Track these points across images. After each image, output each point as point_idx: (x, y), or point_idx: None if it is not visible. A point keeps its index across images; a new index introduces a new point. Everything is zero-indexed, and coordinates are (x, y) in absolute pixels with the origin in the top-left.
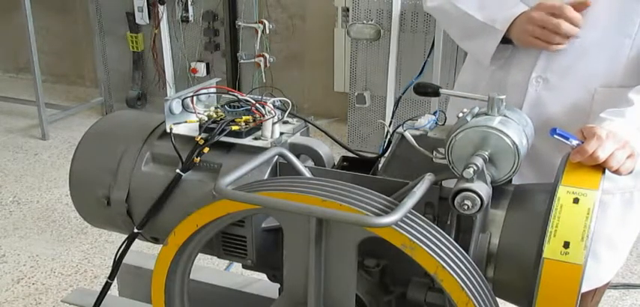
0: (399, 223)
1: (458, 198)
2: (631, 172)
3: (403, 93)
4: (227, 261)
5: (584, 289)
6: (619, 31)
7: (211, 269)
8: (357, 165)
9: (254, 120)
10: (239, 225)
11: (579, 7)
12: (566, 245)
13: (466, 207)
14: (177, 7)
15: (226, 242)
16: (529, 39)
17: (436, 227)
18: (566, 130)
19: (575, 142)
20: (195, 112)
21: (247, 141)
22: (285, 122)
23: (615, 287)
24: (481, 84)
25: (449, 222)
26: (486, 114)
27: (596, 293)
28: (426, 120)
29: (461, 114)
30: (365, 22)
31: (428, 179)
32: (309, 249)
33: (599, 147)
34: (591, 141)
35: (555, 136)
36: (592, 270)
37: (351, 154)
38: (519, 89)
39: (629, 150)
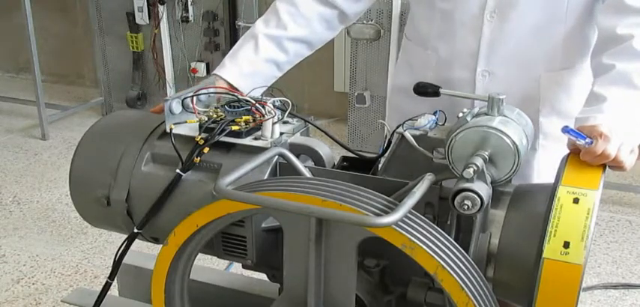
0: (399, 223)
1: (458, 198)
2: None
3: None
4: (227, 261)
5: None
6: (550, 16)
7: (211, 269)
8: (357, 165)
9: (254, 120)
10: (239, 225)
11: None
12: (566, 245)
13: (466, 207)
14: (177, 7)
15: (226, 242)
16: None
17: (436, 227)
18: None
19: (587, 141)
20: (195, 112)
21: (247, 141)
22: (285, 122)
23: (615, 287)
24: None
25: (449, 222)
26: (486, 114)
27: None
28: (426, 120)
29: (461, 114)
30: (365, 22)
31: (428, 179)
32: (309, 249)
33: (608, 145)
34: (598, 141)
35: (566, 134)
36: None
37: (351, 154)
38: (467, 85)
39: (628, 144)
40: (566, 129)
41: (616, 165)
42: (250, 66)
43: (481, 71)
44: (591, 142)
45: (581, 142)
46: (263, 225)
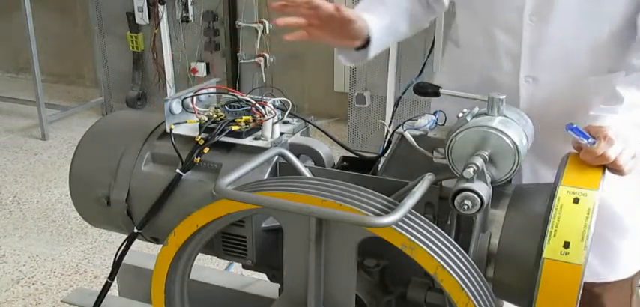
0: (399, 223)
1: (458, 198)
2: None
3: (403, 93)
4: (227, 261)
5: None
6: (591, 16)
7: (211, 269)
8: (357, 165)
9: (254, 120)
10: (239, 225)
11: None
12: (566, 245)
13: (466, 207)
14: (177, 7)
15: (226, 242)
16: None
17: (436, 227)
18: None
19: (590, 141)
20: (195, 112)
21: (247, 141)
22: (285, 122)
23: None
24: (469, 89)
25: (449, 222)
26: (486, 114)
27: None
28: (426, 120)
29: (461, 114)
30: None
31: (428, 179)
32: (309, 249)
33: (609, 149)
34: (601, 142)
35: (570, 132)
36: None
37: (351, 154)
38: (512, 91)
39: (631, 149)
40: (570, 127)
41: (615, 169)
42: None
43: (524, 77)
44: (594, 142)
45: (583, 141)
46: (263, 225)
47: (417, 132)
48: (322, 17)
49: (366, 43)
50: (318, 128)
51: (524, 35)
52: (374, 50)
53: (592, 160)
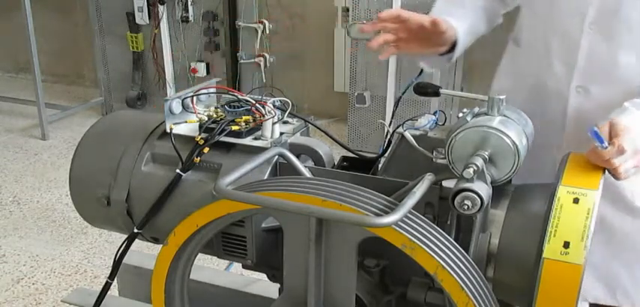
0: (399, 223)
1: (458, 198)
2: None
3: (403, 93)
4: (227, 261)
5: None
6: None
7: (211, 269)
8: (357, 165)
9: (254, 120)
10: (239, 225)
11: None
12: (566, 245)
13: (466, 207)
14: (177, 7)
15: (226, 242)
16: None
17: (436, 227)
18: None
19: (604, 145)
20: (195, 112)
21: (247, 141)
22: (285, 122)
23: None
24: (520, 93)
25: (449, 222)
26: (486, 114)
27: None
28: (426, 120)
29: (461, 114)
30: (365, 22)
31: (428, 179)
32: (309, 249)
33: (617, 158)
34: (613, 149)
35: (590, 135)
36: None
37: (351, 154)
38: (561, 98)
39: (636, 159)
40: (591, 131)
41: (614, 174)
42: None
43: (575, 87)
44: (606, 147)
45: (597, 145)
46: (263, 225)
47: (417, 132)
48: (411, 29)
49: (452, 47)
50: (318, 128)
51: (583, 43)
52: (457, 54)
53: (597, 162)
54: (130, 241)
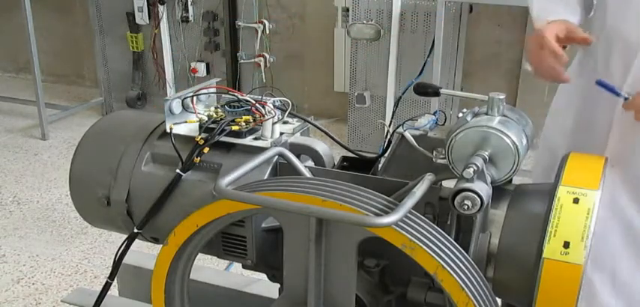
0: (399, 223)
1: (458, 198)
2: None
3: (403, 93)
4: (227, 261)
5: None
6: None
7: (211, 269)
8: (357, 165)
9: (254, 120)
10: (239, 225)
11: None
12: (566, 245)
13: (466, 207)
14: (177, 7)
15: (226, 242)
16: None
17: (436, 227)
18: None
19: (623, 95)
20: (195, 112)
21: (247, 141)
22: (285, 122)
23: None
24: (578, 90)
25: (449, 222)
26: (486, 114)
27: None
28: (426, 120)
29: (461, 114)
30: (365, 22)
31: (428, 179)
32: (309, 249)
33: None
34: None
35: (599, 87)
36: None
37: (351, 154)
38: (606, 111)
39: None
40: (598, 83)
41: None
42: None
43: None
44: (627, 98)
45: (617, 94)
46: (263, 225)
47: (417, 132)
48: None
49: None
50: (318, 128)
51: (636, 63)
52: None
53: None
54: (130, 241)
